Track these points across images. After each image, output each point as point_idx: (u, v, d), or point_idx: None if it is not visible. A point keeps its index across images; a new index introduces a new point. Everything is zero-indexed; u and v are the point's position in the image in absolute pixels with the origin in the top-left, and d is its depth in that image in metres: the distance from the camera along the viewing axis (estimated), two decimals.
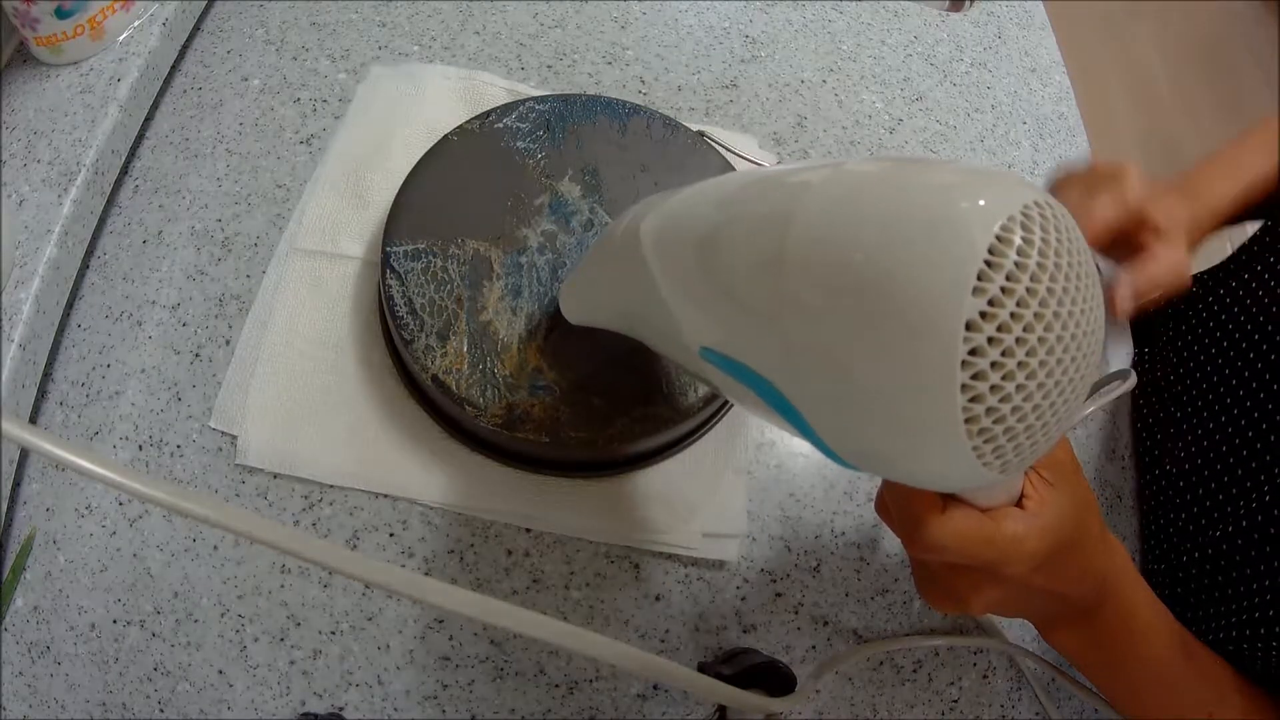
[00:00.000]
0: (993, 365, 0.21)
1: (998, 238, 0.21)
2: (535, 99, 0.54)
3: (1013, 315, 0.21)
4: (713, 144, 0.55)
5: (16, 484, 0.48)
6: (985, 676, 0.49)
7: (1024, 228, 0.21)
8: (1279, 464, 0.43)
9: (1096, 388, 0.40)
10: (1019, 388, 0.22)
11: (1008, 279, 0.21)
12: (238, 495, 0.48)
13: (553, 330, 0.47)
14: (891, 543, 0.51)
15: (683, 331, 0.32)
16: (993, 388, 0.21)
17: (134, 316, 0.53)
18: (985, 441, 0.22)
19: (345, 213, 0.55)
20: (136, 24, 0.58)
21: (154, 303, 0.53)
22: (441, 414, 0.49)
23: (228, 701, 0.44)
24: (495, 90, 0.61)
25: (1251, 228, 0.55)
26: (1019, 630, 0.50)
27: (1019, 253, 0.21)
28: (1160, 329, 0.58)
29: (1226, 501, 0.46)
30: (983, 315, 0.21)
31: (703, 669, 0.44)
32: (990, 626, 0.50)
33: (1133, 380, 0.41)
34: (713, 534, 0.48)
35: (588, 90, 0.62)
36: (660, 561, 0.48)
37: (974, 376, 0.21)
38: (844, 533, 0.51)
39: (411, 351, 0.46)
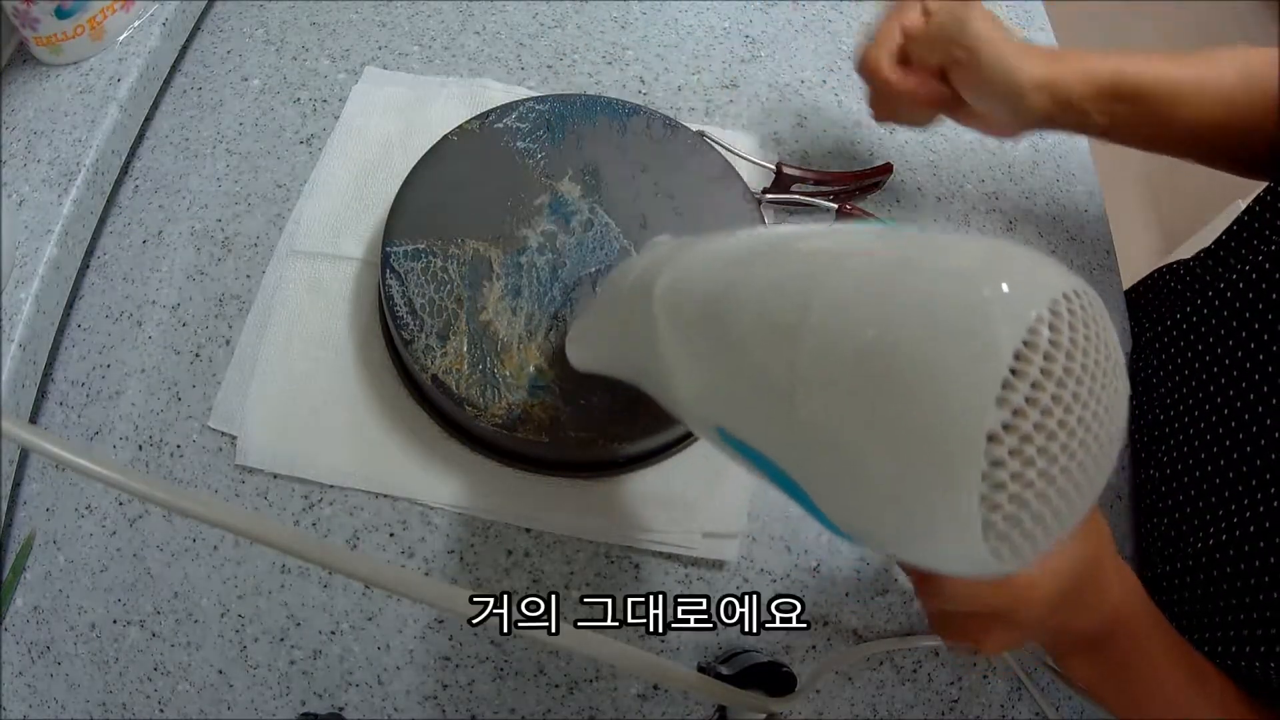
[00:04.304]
0: (1012, 476, 0.21)
1: (1025, 342, 0.20)
2: (535, 99, 0.54)
3: (1036, 426, 0.20)
4: (713, 144, 0.55)
5: (16, 484, 0.49)
6: (985, 677, 0.49)
7: (1052, 327, 0.21)
8: (1267, 469, 0.43)
9: None
10: (1038, 494, 0.21)
11: (1033, 387, 0.20)
12: (238, 495, 0.48)
13: (552, 330, 0.47)
14: None
15: (692, 401, 0.31)
16: (1011, 496, 0.21)
17: (134, 316, 0.53)
18: (1000, 541, 0.22)
19: (345, 213, 0.55)
20: (136, 24, 0.58)
21: (154, 303, 0.53)
22: (441, 414, 0.49)
23: (228, 701, 0.44)
24: (494, 92, 0.61)
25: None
26: None
27: (1045, 357, 0.20)
28: (1147, 327, 0.58)
29: (1219, 504, 0.46)
30: (1005, 427, 0.20)
31: (703, 669, 0.45)
32: None
33: None
34: (712, 534, 0.48)
35: (588, 90, 0.62)
36: (660, 561, 0.48)
37: (993, 485, 0.21)
38: None
39: (411, 351, 0.46)
